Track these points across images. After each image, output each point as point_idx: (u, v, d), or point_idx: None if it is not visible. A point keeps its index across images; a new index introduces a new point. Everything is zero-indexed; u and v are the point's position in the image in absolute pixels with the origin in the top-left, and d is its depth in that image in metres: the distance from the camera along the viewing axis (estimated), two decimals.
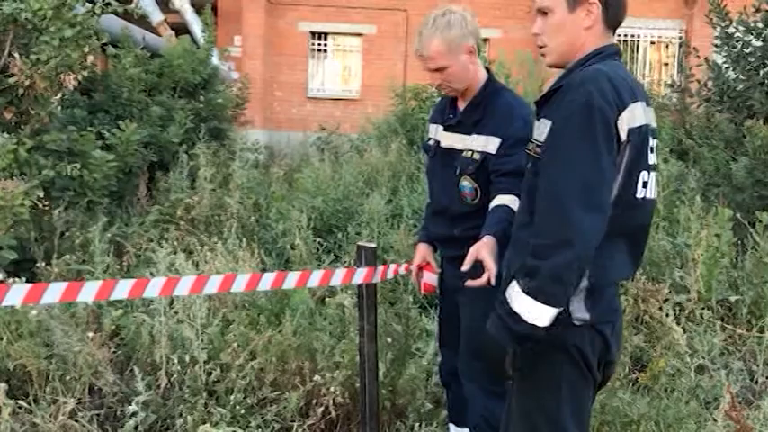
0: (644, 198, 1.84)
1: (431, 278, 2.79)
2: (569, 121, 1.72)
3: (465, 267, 2.28)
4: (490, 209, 2.48)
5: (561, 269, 1.67)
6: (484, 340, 1.85)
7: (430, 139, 2.85)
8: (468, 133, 2.62)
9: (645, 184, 1.83)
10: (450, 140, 2.69)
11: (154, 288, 2.13)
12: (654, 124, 1.88)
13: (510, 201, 2.43)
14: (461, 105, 2.68)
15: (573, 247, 1.66)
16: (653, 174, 1.86)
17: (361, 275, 2.62)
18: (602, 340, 1.86)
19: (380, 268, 2.71)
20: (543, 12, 1.92)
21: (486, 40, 15.89)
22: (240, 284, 2.35)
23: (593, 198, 1.69)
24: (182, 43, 7.68)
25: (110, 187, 5.15)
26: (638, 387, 3.02)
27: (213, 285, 2.26)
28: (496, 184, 2.52)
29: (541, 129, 1.85)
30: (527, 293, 1.71)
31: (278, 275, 2.44)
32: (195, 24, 13.90)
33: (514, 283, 1.75)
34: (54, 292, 1.96)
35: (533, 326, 1.72)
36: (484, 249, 2.29)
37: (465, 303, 2.62)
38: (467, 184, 2.61)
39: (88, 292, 2.01)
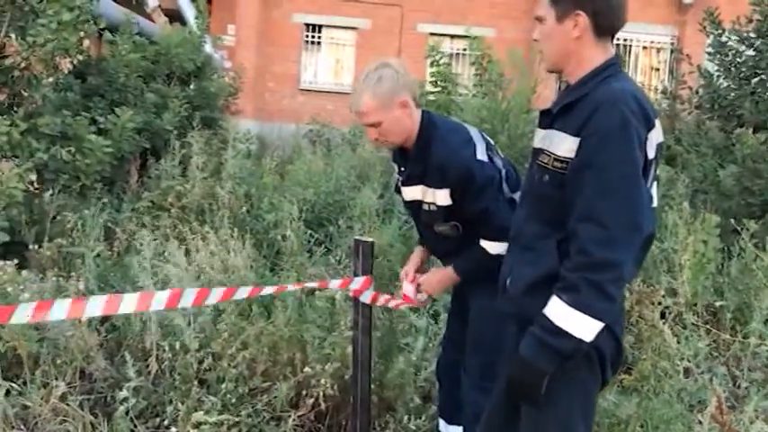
0: (653, 206, 1.92)
1: (408, 290, 2.79)
2: (608, 143, 1.77)
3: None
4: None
5: (608, 285, 1.73)
6: (516, 369, 1.87)
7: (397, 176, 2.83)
8: (421, 184, 2.61)
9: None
10: (411, 194, 2.68)
11: (159, 302, 2.14)
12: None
13: (486, 244, 2.55)
14: (409, 154, 2.66)
15: (620, 267, 1.74)
16: (655, 183, 1.95)
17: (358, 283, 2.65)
18: (614, 340, 1.91)
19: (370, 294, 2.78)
20: (539, 19, 2.00)
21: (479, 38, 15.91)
22: (243, 293, 2.37)
23: (637, 221, 1.77)
24: (179, 31, 7.65)
25: (103, 173, 5.14)
26: (624, 388, 3.07)
27: (215, 296, 2.27)
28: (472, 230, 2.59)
29: (557, 141, 1.89)
30: (575, 308, 1.74)
31: (278, 288, 2.48)
32: (189, 11, 13.82)
33: (556, 299, 1.78)
34: (60, 310, 1.98)
35: (580, 341, 1.76)
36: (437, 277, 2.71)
37: (471, 300, 2.70)
38: (443, 228, 2.64)
39: (94, 308, 2.03)
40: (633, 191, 1.77)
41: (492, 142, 2.74)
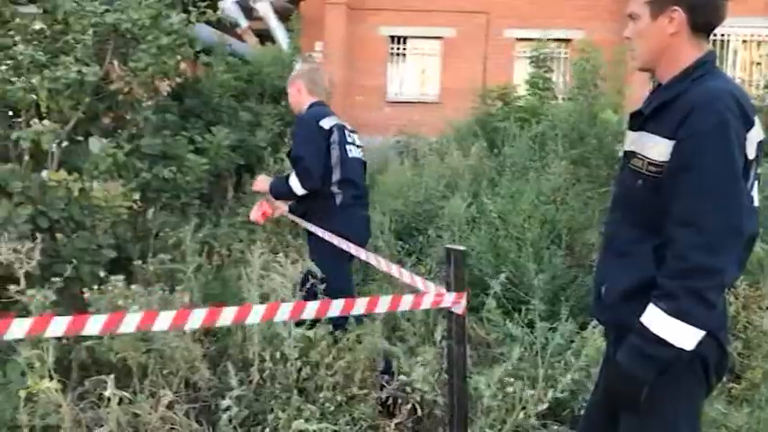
0: (754, 206, 1.85)
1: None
2: (705, 145, 1.71)
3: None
4: None
5: (708, 292, 1.68)
6: (614, 379, 1.85)
7: None
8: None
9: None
10: None
11: (256, 315, 2.23)
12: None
13: (291, 179, 3.77)
14: None
15: (720, 273, 1.68)
16: (756, 183, 1.87)
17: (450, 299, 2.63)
18: (718, 346, 1.84)
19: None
20: (632, 17, 1.96)
21: (568, 41, 15.68)
22: (336, 309, 2.40)
23: (737, 224, 1.70)
24: (270, 50, 7.89)
25: (201, 190, 5.34)
26: (733, 397, 2.93)
27: (310, 311, 2.33)
28: None
29: (650, 144, 1.84)
30: (674, 316, 1.69)
31: (370, 300, 2.48)
32: (279, 31, 14.23)
33: (654, 307, 1.73)
34: (165, 321, 2.08)
35: (680, 350, 1.70)
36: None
37: None
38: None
39: (196, 319, 2.13)
40: (732, 193, 1.70)
41: (348, 136, 4.04)
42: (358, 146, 4.13)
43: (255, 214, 4.21)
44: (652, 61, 1.93)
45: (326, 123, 3.87)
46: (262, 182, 4.13)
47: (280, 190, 3.94)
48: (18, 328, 1.90)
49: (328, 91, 4.31)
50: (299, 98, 4.09)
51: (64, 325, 1.96)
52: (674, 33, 1.86)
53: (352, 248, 3.52)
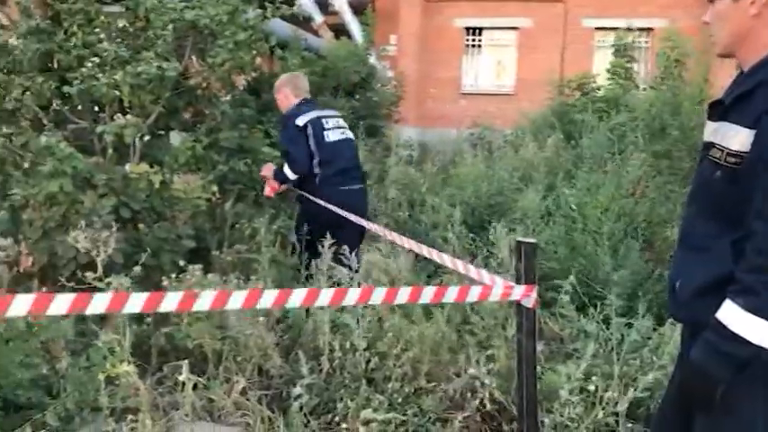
0: None
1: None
2: None
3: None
4: None
5: None
6: (689, 376, 1.78)
7: None
8: None
9: None
10: None
11: (324, 298, 2.23)
12: None
13: (285, 167, 4.76)
14: None
15: None
16: None
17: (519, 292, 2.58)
18: None
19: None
20: (711, 0, 1.86)
21: (650, 29, 15.18)
22: (403, 296, 2.38)
23: None
24: (345, 44, 7.95)
25: None
26: None
27: (377, 297, 2.32)
28: None
29: (730, 135, 1.74)
30: (753, 313, 1.61)
31: (438, 290, 2.45)
32: (353, 25, 14.32)
33: (730, 303, 1.66)
34: (237, 300, 2.12)
35: (759, 348, 1.62)
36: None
37: None
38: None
39: (267, 300, 2.16)
40: None
41: (326, 122, 4.80)
42: (340, 127, 4.94)
43: (266, 191, 5.05)
44: (732, 45, 1.83)
45: (301, 121, 4.71)
46: (267, 168, 4.99)
47: (279, 176, 4.85)
48: (99, 304, 1.97)
49: (307, 90, 5.07)
50: (287, 102, 4.94)
51: (141, 302, 2.01)
52: (756, 15, 1.75)
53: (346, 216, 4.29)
